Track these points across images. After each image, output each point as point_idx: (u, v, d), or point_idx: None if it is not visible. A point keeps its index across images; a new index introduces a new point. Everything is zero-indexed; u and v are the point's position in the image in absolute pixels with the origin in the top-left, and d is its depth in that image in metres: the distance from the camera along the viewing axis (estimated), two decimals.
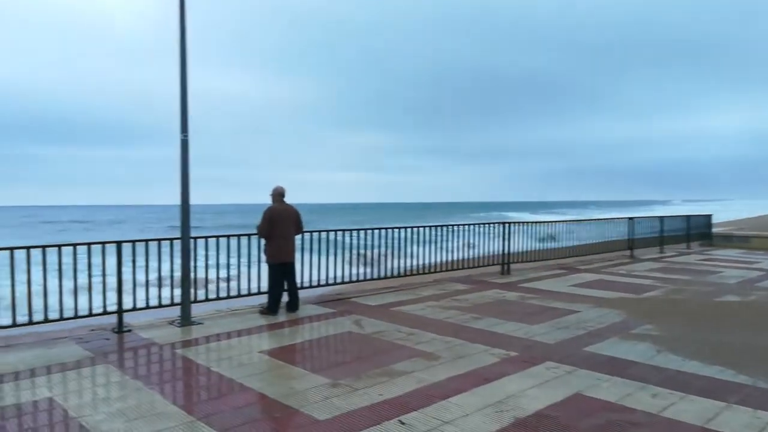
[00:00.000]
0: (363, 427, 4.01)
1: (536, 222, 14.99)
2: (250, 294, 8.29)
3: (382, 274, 10.31)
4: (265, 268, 8.09)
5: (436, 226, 11.57)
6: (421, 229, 11.17)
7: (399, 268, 10.79)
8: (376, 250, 10.31)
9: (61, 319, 6.57)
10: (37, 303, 6.34)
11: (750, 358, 5.82)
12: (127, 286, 7.00)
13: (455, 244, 11.69)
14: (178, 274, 7.30)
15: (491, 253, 12.11)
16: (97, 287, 6.78)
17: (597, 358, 5.79)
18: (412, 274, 10.79)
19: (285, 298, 8.07)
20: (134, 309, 7.12)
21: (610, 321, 7.51)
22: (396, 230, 10.61)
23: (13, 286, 6.19)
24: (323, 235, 9.33)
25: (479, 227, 12.31)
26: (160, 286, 7.34)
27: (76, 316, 6.66)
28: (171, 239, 7.50)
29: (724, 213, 48.86)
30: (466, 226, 12.13)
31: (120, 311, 6.88)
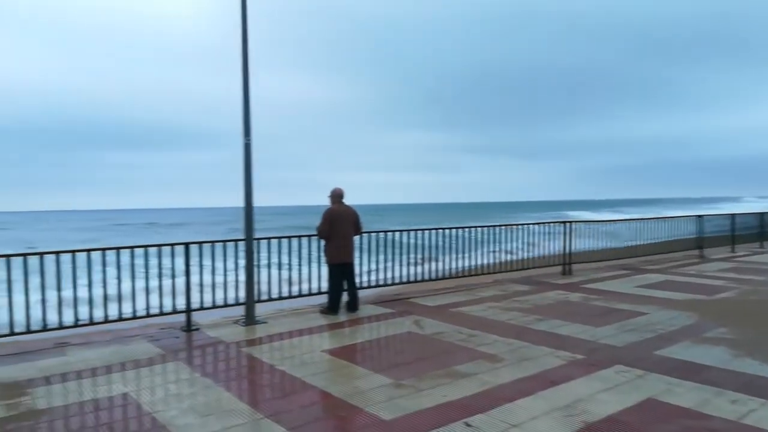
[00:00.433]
0: (428, 428, 3.99)
1: (598, 221, 14.56)
2: (310, 294, 8.43)
3: (440, 274, 10.25)
4: (325, 268, 8.21)
5: (493, 226, 11.41)
6: (478, 229, 11.05)
7: (457, 268, 10.71)
8: (433, 251, 10.26)
9: (134, 317, 6.88)
10: (112, 302, 6.67)
11: None
12: (194, 286, 7.25)
13: (514, 245, 11.49)
14: (242, 274, 7.50)
15: (551, 254, 11.85)
16: (166, 287, 7.06)
17: (669, 362, 5.56)
18: (470, 275, 10.68)
19: (345, 298, 8.16)
20: (201, 308, 7.37)
21: (681, 323, 7.20)
22: (453, 230, 10.53)
23: (90, 286, 6.53)
24: (381, 235, 9.38)
25: (538, 227, 12.07)
26: (225, 286, 7.56)
27: (147, 315, 6.96)
28: (235, 240, 7.73)
29: None
30: (525, 226, 11.90)
31: (188, 310, 7.13)
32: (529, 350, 5.98)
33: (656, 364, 5.45)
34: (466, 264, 10.72)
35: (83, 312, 6.53)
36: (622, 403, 4.46)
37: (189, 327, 7.08)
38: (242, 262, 7.48)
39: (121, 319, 6.77)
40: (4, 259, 6.10)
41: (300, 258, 8.43)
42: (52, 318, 6.33)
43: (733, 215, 16.83)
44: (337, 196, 8.14)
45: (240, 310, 7.58)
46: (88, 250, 6.62)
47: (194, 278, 7.23)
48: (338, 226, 7.92)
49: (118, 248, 6.83)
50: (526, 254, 11.81)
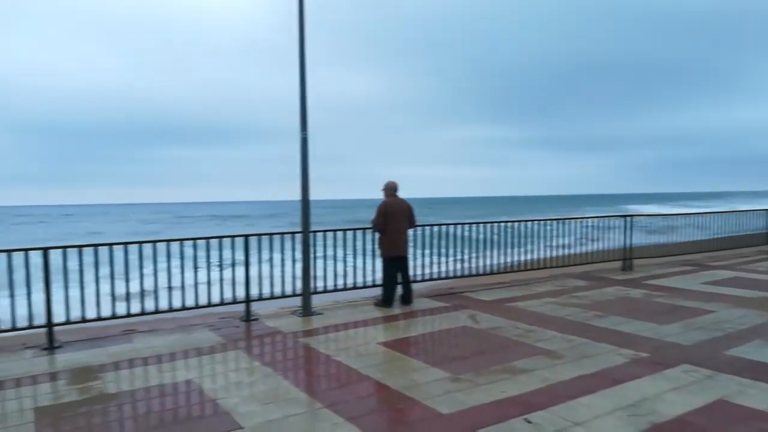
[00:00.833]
0: (488, 423, 3.94)
1: (660, 214, 14.01)
2: (365, 286, 8.48)
3: (494, 268, 10.12)
4: (379, 261, 8.24)
5: (548, 220, 11.16)
6: (533, 222, 10.83)
7: (511, 262, 10.55)
8: (487, 244, 10.13)
9: (197, 307, 7.10)
10: (175, 291, 6.91)
11: None
12: (253, 277, 7.42)
13: (570, 239, 11.21)
14: (299, 266, 7.62)
15: (610, 248, 11.49)
16: (226, 278, 7.25)
17: (740, 362, 5.29)
18: (525, 270, 10.50)
19: (399, 291, 8.16)
20: (260, 299, 7.53)
21: (752, 322, 6.84)
22: (506, 224, 10.37)
23: (156, 275, 6.78)
24: (434, 229, 9.33)
25: (597, 221, 11.73)
26: (283, 277, 7.69)
27: (209, 305, 7.16)
28: (292, 233, 7.86)
29: None
30: (582, 220, 11.58)
31: (248, 300, 7.31)
32: (589, 347, 5.82)
33: (726, 364, 5.20)
34: (521, 258, 10.54)
35: (149, 301, 6.78)
36: (690, 403, 4.28)
37: (248, 317, 7.26)
38: (299, 254, 7.61)
39: (184, 308, 7.00)
40: (76, 249, 6.41)
41: (354, 251, 8.49)
42: (120, 306, 6.61)
43: None
44: (391, 189, 8.14)
45: (296, 301, 7.71)
46: (154, 242, 6.87)
47: (253, 269, 7.40)
48: (392, 219, 7.92)
49: (181, 240, 7.06)
50: (583, 249, 11.50)
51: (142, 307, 6.69)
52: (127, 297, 6.58)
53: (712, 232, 13.46)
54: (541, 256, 10.71)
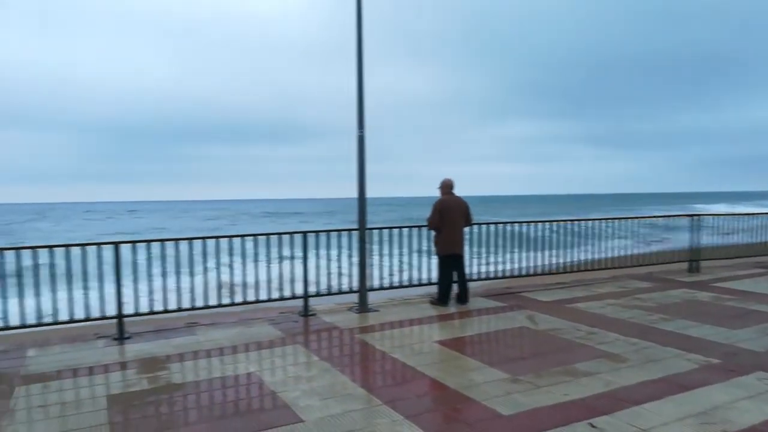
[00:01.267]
0: (550, 426, 3.86)
1: (730, 214, 13.33)
2: (420, 284, 8.47)
3: (552, 268, 9.90)
4: (434, 259, 8.20)
5: (609, 219, 10.82)
6: (592, 222, 10.52)
7: (570, 262, 10.29)
8: (545, 243, 9.93)
9: (257, 301, 7.27)
10: (236, 286, 7.10)
11: None
12: (311, 272, 7.53)
13: (633, 239, 10.82)
14: (355, 263, 7.69)
15: (676, 249, 11.04)
16: (285, 273, 7.40)
17: None
18: (584, 270, 10.22)
19: (455, 289, 8.10)
20: (317, 294, 7.64)
21: None
22: (565, 223, 10.12)
23: (218, 270, 6.99)
24: (491, 227, 9.21)
25: (661, 220, 11.28)
26: (340, 274, 7.78)
27: (268, 299, 7.32)
28: (349, 230, 7.94)
29: None
30: (646, 219, 11.16)
31: (306, 296, 7.43)
32: (655, 351, 5.61)
33: None
34: (580, 258, 10.27)
35: (211, 295, 6.99)
36: (766, 413, 4.05)
37: (306, 312, 7.38)
38: (355, 251, 7.67)
39: (245, 302, 7.19)
40: (144, 243, 6.68)
41: (410, 248, 8.49)
42: (184, 299, 6.84)
43: None
44: (447, 186, 8.09)
45: (353, 298, 7.78)
46: (216, 237, 7.08)
47: (310, 265, 7.51)
48: (448, 217, 7.87)
49: (242, 236, 7.25)
50: (646, 249, 11.09)
51: (206, 301, 6.90)
52: (192, 290, 6.80)
53: None
54: (602, 256, 10.39)
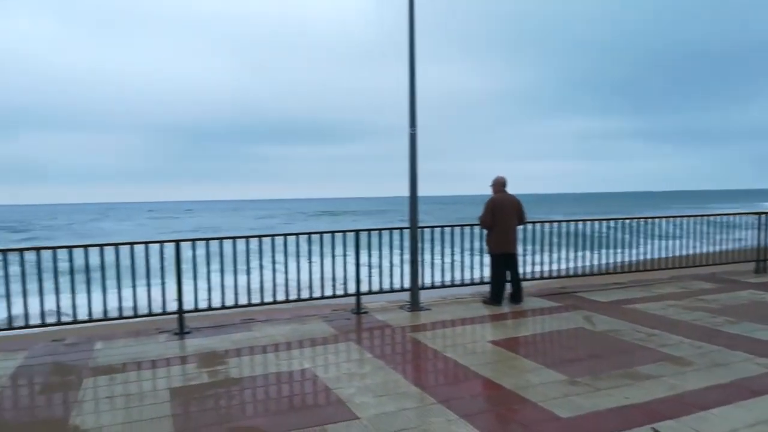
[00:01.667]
0: (610, 430, 3.74)
1: None
2: (472, 283, 8.38)
3: (610, 268, 9.62)
4: (486, 258, 8.10)
5: (669, 217, 10.42)
6: (653, 220, 10.15)
7: (628, 262, 9.97)
8: (602, 242, 9.64)
9: (311, 299, 7.37)
10: (291, 283, 7.23)
11: None
12: (363, 271, 7.59)
13: (694, 238, 10.37)
14: (407, 261, 7.69)
15: (742, 248, 10.52)
16: (338, 271, 7.49)
17: None
18: (643, 270, 9.88)
19: (508, 289, 7.99)
20: (369, 292, 7.68)
21: None
22: (622, 221, 9.80)
23: (274, 267, 7.13)
24: (545, 225, 9.02)
25: (726, 218, 10.77)
26: (391, 272, 7.80)
27: (322, 297, 7.41)
28: (401, 228, 7.94)
29: None
30: (709, 218, 10.68)
31: (358, 294, 7.49)
32: (721, 355, 5.36)
33: None
34: (639, 257, 9.93)
35: (267, 291, 7.13)
36: None
37: (359, 310, 7.44)
38: (407, 250, 7.67)
39: (299, 299, 7.31)
40: (203, 242, 6.89)
41: (462, 247, 8.41)
42: (241, 296, 7.01)
43: None
44: (499, 184, 7.98)
45: (404, 296, 7.79)
46: (272, 235, 7.22)
47: (362, 263, 7.56)
48: (501, 215, 7.76)
49: (297, 234, 7.36)
50: (709, 249, 10.61)
51: (261, 298, 7.05)
52: (248, 287, 6.96)
53: None
54: (661, 255, 10.02)
